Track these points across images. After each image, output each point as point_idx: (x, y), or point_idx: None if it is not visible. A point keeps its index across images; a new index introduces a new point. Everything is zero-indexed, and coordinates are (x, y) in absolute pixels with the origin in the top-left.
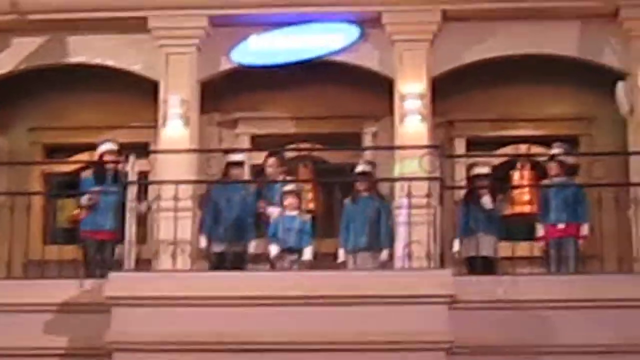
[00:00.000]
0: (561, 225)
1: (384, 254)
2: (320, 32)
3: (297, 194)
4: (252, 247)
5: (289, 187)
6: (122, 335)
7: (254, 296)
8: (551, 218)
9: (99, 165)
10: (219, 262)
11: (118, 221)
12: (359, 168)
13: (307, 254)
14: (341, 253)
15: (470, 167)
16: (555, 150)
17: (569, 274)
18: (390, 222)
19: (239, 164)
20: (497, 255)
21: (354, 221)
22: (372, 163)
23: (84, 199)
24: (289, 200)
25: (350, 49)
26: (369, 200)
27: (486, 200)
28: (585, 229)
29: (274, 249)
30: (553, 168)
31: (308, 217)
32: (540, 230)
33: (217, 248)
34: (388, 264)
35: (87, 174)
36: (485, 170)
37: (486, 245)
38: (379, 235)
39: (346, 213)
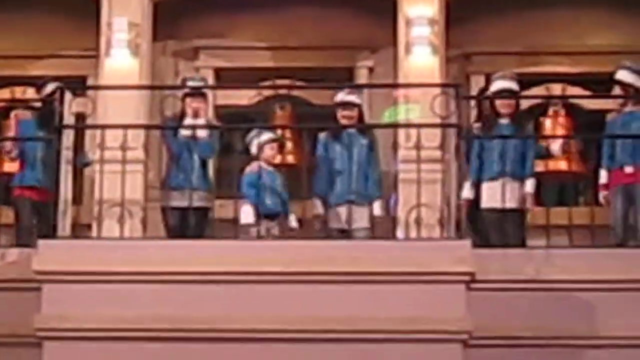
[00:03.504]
0: (629, 169)
1: (376, 207)
2: None
3: (279, 143)
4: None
5: (269, 135)
6: (56, 320)
7: (223, 272)
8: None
9: (44, 106)
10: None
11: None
12: (340, 97)
13: (292, 220)
14: (318, 205)
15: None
16: (621, 73)
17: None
18: (378, 164)
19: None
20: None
21: (338, 164)
22: (355, 91)
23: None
24: (269, 152)
25: None
26: (356, 137)
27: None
28: None
29: (249, 213)
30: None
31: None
32: (603, 177)
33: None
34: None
35: (26, 116)
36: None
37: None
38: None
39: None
